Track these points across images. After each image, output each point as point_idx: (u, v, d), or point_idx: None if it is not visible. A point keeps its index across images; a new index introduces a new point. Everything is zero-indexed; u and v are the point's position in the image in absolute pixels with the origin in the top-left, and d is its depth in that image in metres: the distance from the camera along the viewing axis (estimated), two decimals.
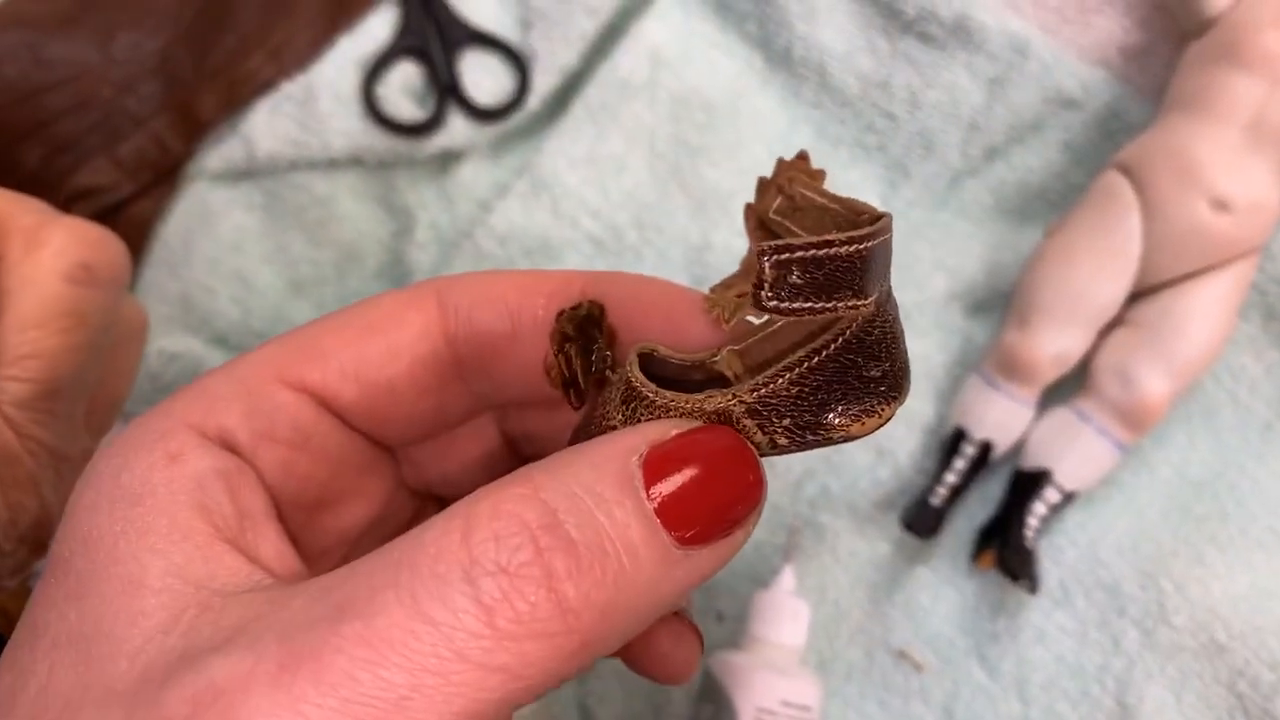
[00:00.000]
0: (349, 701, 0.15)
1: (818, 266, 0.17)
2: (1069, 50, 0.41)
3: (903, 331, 0.19)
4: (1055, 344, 0.37)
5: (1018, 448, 0.39)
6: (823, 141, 0.43)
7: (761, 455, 0.19)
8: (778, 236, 0.21)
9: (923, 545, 0.40)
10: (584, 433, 0.20)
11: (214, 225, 0.43)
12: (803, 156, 0.22)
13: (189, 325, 0.42)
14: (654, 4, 0.44)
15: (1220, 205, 0.35)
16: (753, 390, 0.18)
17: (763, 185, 0.22)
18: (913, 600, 0.39)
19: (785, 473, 0.40)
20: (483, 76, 0.43)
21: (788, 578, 0.39)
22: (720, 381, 0.20)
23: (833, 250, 0.17)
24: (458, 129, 0.42)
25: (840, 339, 0.18)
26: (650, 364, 0.20)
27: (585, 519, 0.16)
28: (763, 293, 0.17)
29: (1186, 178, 0.35)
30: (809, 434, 0.18)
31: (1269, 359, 0.40)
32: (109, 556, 0.17)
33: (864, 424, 0.18)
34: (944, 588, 0.39)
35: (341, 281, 0.43)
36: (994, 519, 0.39)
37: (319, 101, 0.42)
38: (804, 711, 0.36)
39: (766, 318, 0.20)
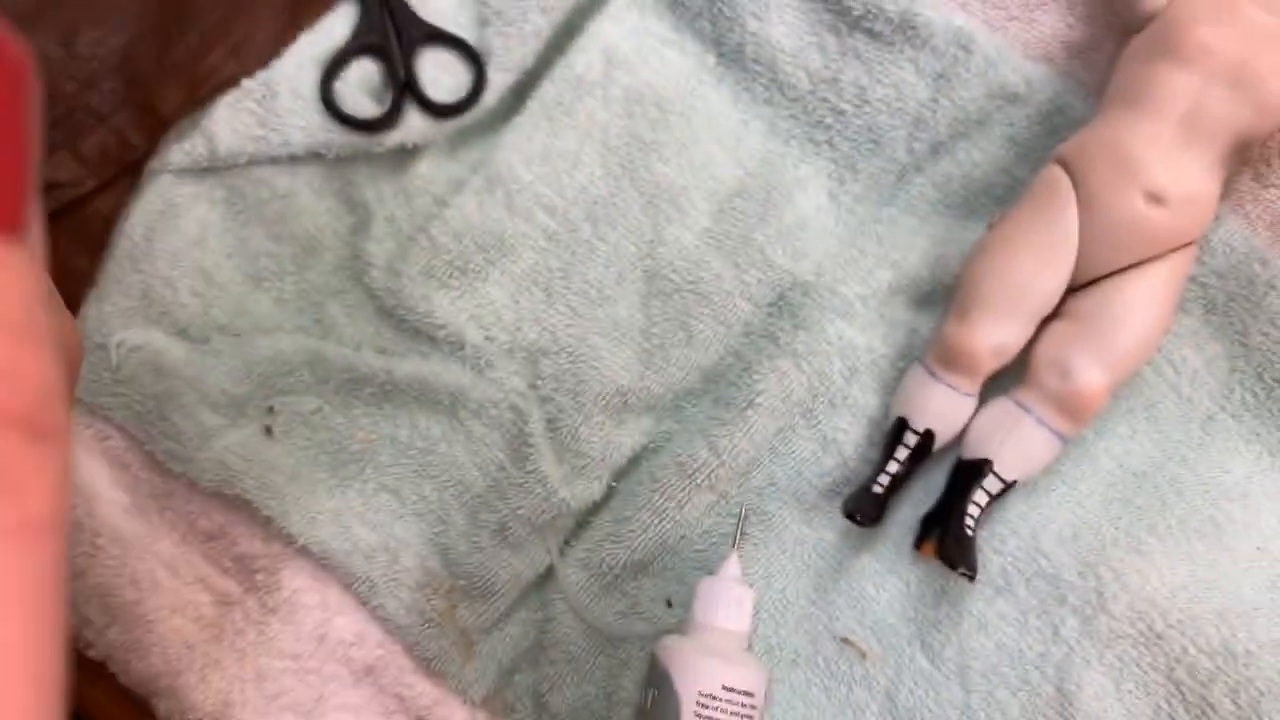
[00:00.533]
0: None
1: None
2: (1013, 46, 0.41)
3: None
4: (995, 336, 0.38)
5: (960, 438, 0.39)
6: (773, 137, 0.44)
7: None
8: None
9: (868, 534, 0.40)
10: None
11: (177, 220, 0.44)
12: None
13: (150, 318, 0.43)
14: (609, 3, 0.45)
15: (1155, 198, 0.36)
16: None
17: None
18: (857, 588, 0.40)
19: (732, 461, 0.40)
20: (440, 73, 0.44)
21: (733, 564, 0.39)
22: None
23: None
24: (415, 125, 0.43)
25: None
26: None
27: None
28: None
29: (1122, 171, 0.36)
30: None
31: (1210, 351, 0.40)
32: None
33: None
34: (888, 576, 0.40)
35: (301, 275, 0.43)
36: (936, 508, 0.39)
37: (279, 98, 0.43)
38: (746, 697, 0.37)
39: None
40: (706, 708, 0.36)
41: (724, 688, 0.36)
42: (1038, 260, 0.37)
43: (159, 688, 0.41)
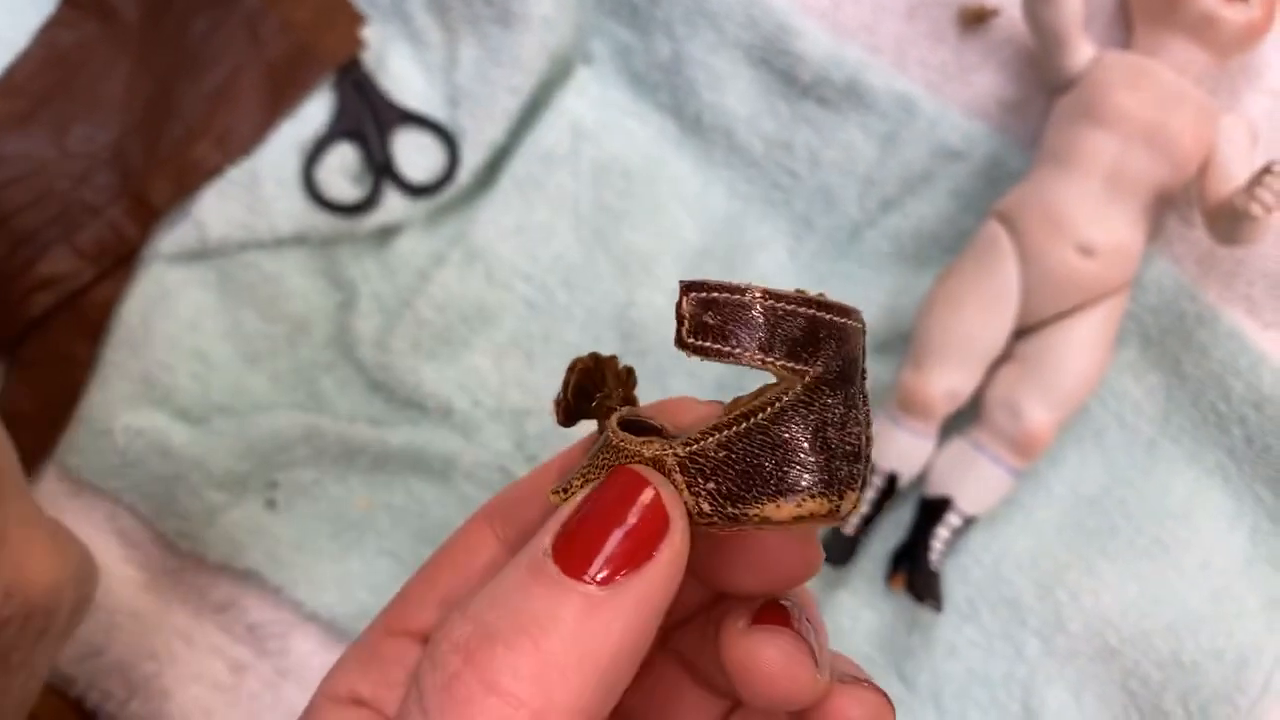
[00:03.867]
0: None
1: (723, 309, 0.17)
2: (952, 105, 0.44)
3: (866, 437, 0.18)
4: (947, 382, 0.40)
5: (922, 476, 0.42)
6: (734, 199, 0.46)
7: (695, 525, 0.18)
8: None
9: (842, 571, 0.43)
10: (568, 480, 0.20)
11: (172, 305, 0.46)
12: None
13: (153, 401, 0.45)
14: (572, 78, 0.47)
15: (1086, 251, 0.39)
16: (685, 444, 0.18)
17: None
18: (834, 623, 0.43)
19: None
20: (415, 154, 0.46)
21: None
22: None
23: (745, 298, 0.17)
24: (394, 205, 0.45)
25: (771, 409, 0.17)
26: (635, 427, 0.20)
27: (506, 610, 0.17)
28: (681, 329, 0.17)
29: (1055, 226, 0.39)
30: (729, 505, 0.17)
31: (1148, 381, 0.43)
32: None
33: (780, 509, 0.17)
34: (863, 610, 0.43)
35: (293, 352, 0.46)
36: (904, 544, 0.42)
37: (263, 185, 0.45)
38: None
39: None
40: None
41: None
42: (982, 310, 0.40)
43: None
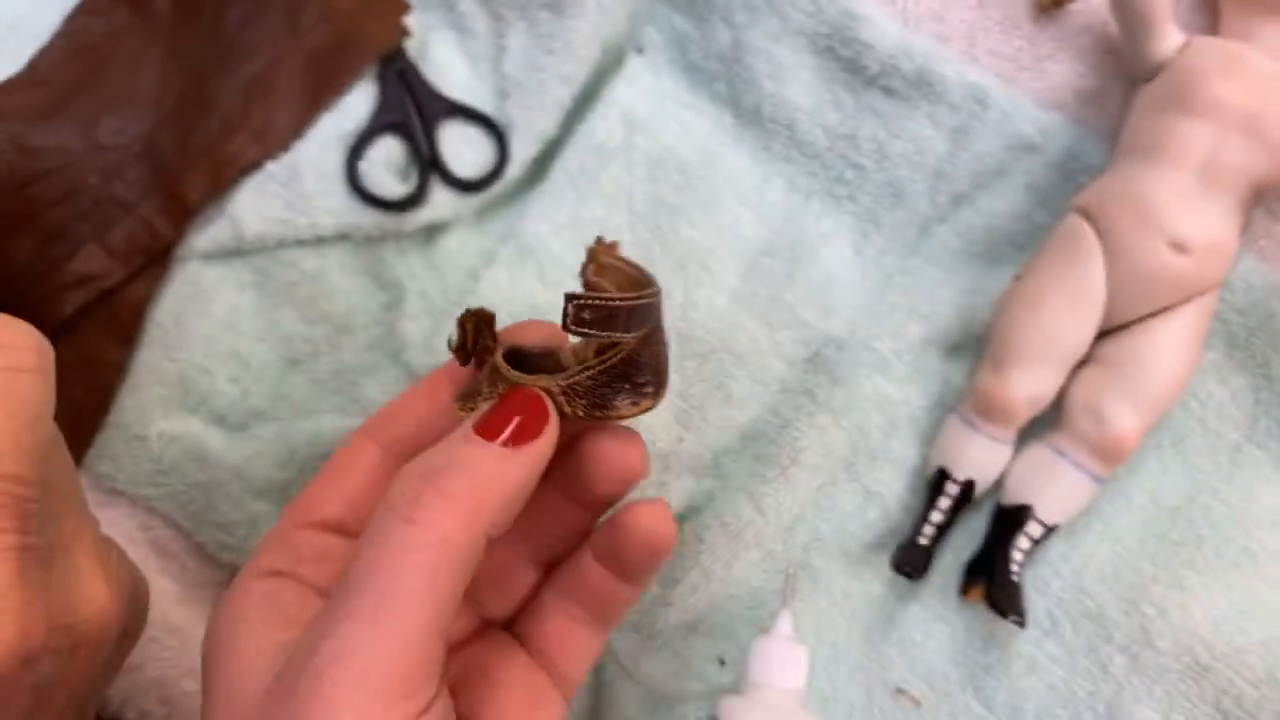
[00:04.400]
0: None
1: (596, 311, 0.27)
2: (1026, 97, 0.42)
3: (667, 357, 0.30)
4: (1029, 386, 0.38)
5: (998, 484, 0.40)
6: (794, 194, 0.45)
7: (566, 420, 0.28)
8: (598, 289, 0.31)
9: (914, 583, 0.41)
10: (466, 396, 0.29)
11: (207, 305, 0.44)
12: (612, 244, 0.33)
13: (188, 406, 0.43)
14: (624, 68, 0.45)
15: (1179, 247, 0.37)
16: (565, 379, 0.28)
17: (587, 256, 0.33)
18: (907, 637, 0.41)
19: (777, 518, 0.41)
20: (463, 148, 0.44)
21: (785, 623, 0.40)
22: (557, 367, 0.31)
23: (607, 302, 0.28)
24: (441, 201, 0.43)
25: (619, 356, 0.28)
26: (516, 356, 0.30)
27: (447, 458, 0.26)
28: (566, 321, 0.27)
29: (1146, 222, 0.37)
30: (596, 411, 0.29)
31: (1234, 384, 0.41)
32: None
33: (633, 410, 0.29)
34: (935, 623, 0.41)
35: (335, 355, 0.44)
36: (978, 554, 0.40)
37: (304, 181, 0.43)
38: None
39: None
40: None
41: None
42: (1066, 310, 0.38)
43: None
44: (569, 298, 0.27)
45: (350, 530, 0.30)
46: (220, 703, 0.27)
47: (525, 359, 0.30)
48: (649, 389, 0.29)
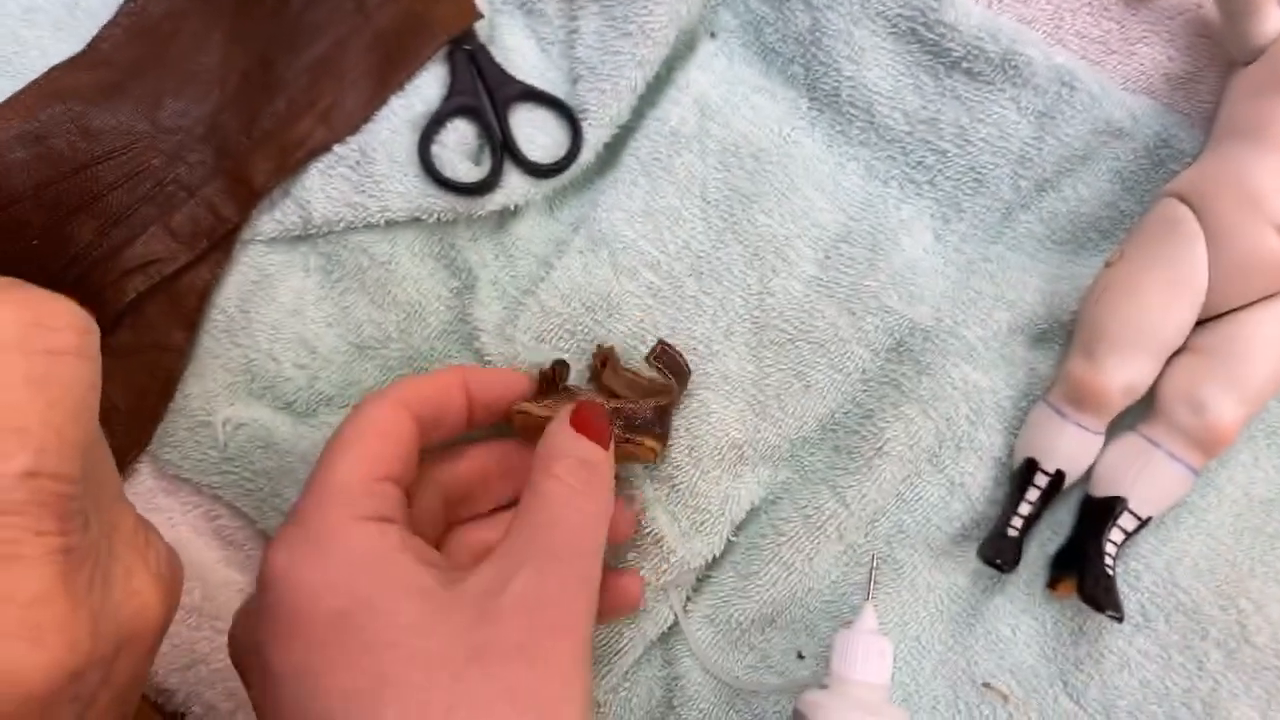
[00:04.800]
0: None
1: (673, 360, 0.41)
2: (1114, 80, 0.41)
3: (670, 422, 0.40)
4: (1124, 375, 0.38)
5: (1085, 475, 0.39)
6: (872, 180, 0.44)
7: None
8: (613, 392, 0.40)
9: (999, 576, 0.40)
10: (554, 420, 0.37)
11: (272, 290, 0.43)
12: (610, 348, 0.41)
13: (254, 392, 0.42)
14: (696, 53, 0.44)
15: None
16: (614, 404, 0.37)
17: (596, 361, 0.41)
18: (993, 631, 0.40)
19: (860, 510, 0.40)
20: (535, 132, 0.43)
21: (869, 616, 0.39)
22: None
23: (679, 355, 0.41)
24: (515, 185, 0.42)
25: (654, 410, 0.38)
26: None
27: (586, 448, 0.34)
28: (650, 359, 0.40)
29: (1250, 206, 0.36)
30: (628, 434, 0.37)
31: None
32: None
33: (650, 450, 0.38)
34: (1022, 617, 0.40)
35: (406, 341, 0.43)
36: (1066, 546, 0.39)
37: (375, 163, 0.42)
38: None
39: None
40: None
41: None
42: (1166, 296, 0.37)
43: None
44: (663, 343, 0.41)
45: (401, 481, 0.34)
46: (389, 630, 0.28)
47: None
48: (662, 437, 0.38)
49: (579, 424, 0.34)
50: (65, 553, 0.22)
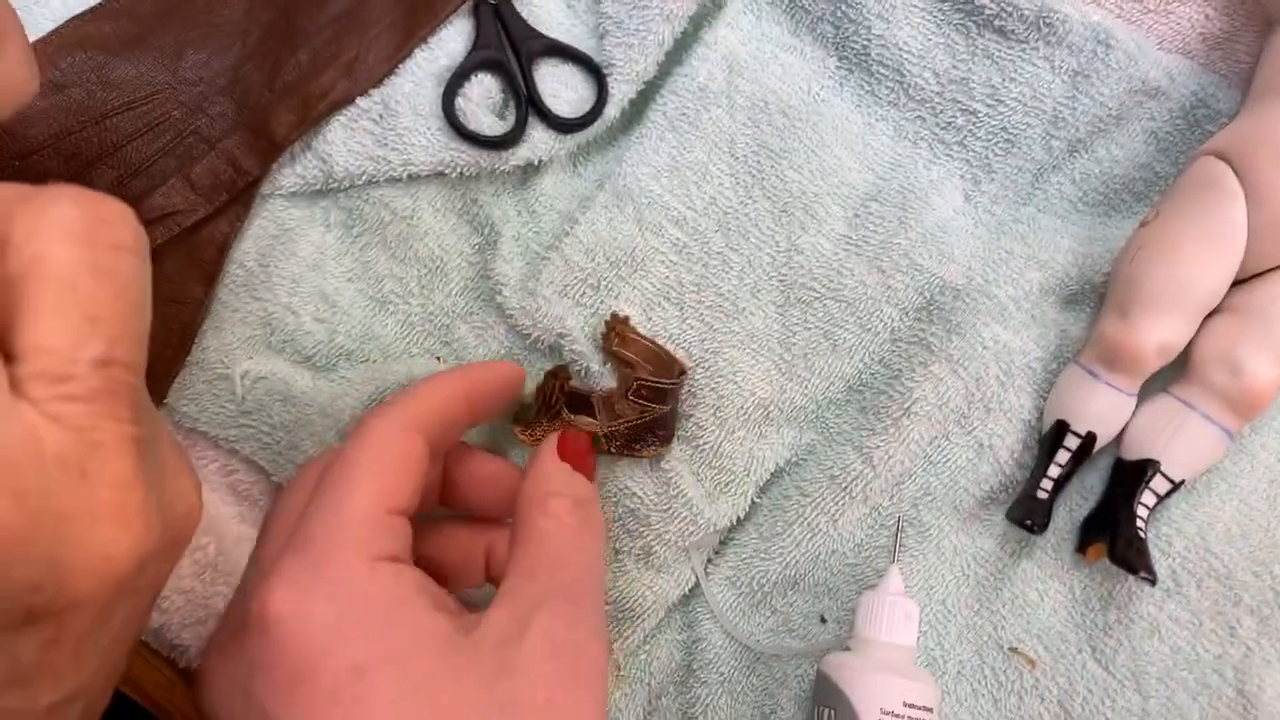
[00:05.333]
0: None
1: (653, 390, 0.39)
2: (1150, 40, 0.41)
3: (674, 422, 0.40)
4: (1159, 334, 0.37)
5: (1116, 439, 0.39)
6: (902, 141, 0.43)
7: (601, 453, 0.39)
8: (624, 360, 0.40)
9: (1027, 540, 0.40)
10: (524, 424, 0.39)
11: (291, 245, 0.42)
12: (625, 318, 0.41)
13: (273, 346, 0.42)
14: (724, 10, 0.44)
15: None
16: (609, 427, 0.39)
17: (607, 329, 0.40)
18: (1020, 596, 0.39)
19: (886, 471, 0.40)
20: (559, 87, 0.43)
21: (895, 578, 0.38)
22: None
23: (660, 384, 0.39)
24: (540, 140, 0.42)
25: (652, 418, 0.39)
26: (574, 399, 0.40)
27: (554, 480, 0.35)
28: (628, 391, 0.39)
29: None
30: (625, 451, 0.39)
31: None
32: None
33: (650, 453, 0.39)
34: (1050, 582, 0.39)
35: (427, 297, 0.42)
36: (1096, 510, 0.39)
37: (399, 117, 0.42)
38: (926, 713, 0.36)
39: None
40: None
41: (905, 704, 0.35)
42: (1204, 255, 0.36)
43: None
44: (639, 379, 0.39)
45: (410, 512, 0.32)
46: (410, 683, 0.27)
47: (571, 395, 0.40)
48: (664, 438, 0.39)
49: (565, 454, 0.35)
50: (137, 441, 0.22)
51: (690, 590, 0.41)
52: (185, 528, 0.25)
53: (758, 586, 0.40)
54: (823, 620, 0.40)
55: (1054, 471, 0.38)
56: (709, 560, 0.42)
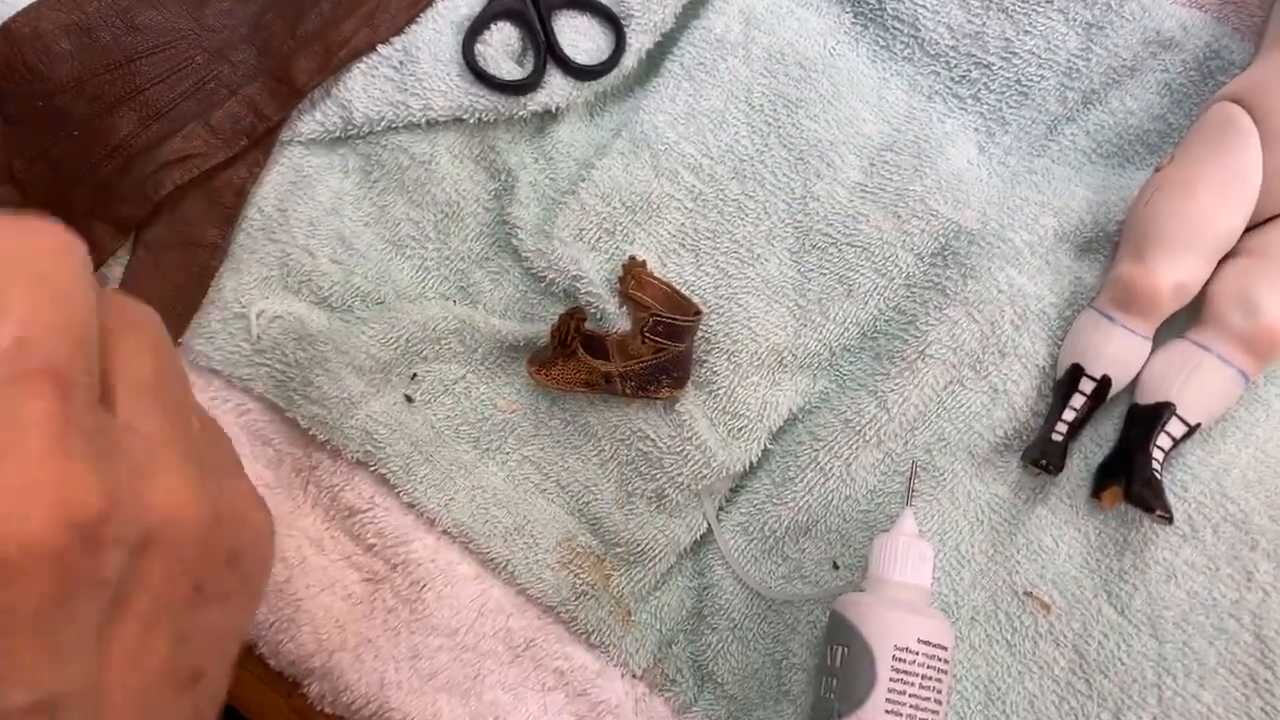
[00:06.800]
0: None
1: (670, 327, 0.39)
2: None
3: (690, 362, 0.40)
4: (1176, 274, 0.37)
5: (1131, 384, 0.39)
6: (916, 95, 0.43)
7: (616, 394, 0.40)
8: (640, 301, 0.40)
9: (1041, 486, 0.39)
10: (540, 363, 0.41)
11: (310, 190, 0.43)
12: (643, 261, 0.41)
13: (289, 287, 0.42)
14: None
15: None
16: (624, 366, 0.39)
17: (624, 271, 0.41)
18: (1035, 541, 0.39)
19: (901, 416, 0.40)
20: (578, 38, 0.43)
21: (909, 520, 0.38)
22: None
23: (676, 322, 0.39)
24: (558, 87, 0.42)
25: (668, 357, 0.39)
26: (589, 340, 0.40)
27: None
28: (644, 329, 0.39)
29: None
30: (640, 392, 0.39)
31: None
32: None
33: (665, 394, 0.39)
34: (1065, 528, 0.39)
35: (443, 242, 0.42)
36: (1112, 456, 0.39)
37: (419, 63, 0.42)
38: (940, 650, 0.35)
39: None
40: (903, 661, 0.35)
41: (920, 640, 0.35)
42: (1220, 196, 0.36)
43: (311, 668, 0.39)
44: (655, 315, 0.39)
45: None
46: None
47: (586, 337, 0.40)
48: (679, 379, 0.39)
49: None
50: (64, 419, 0.22)
51: (701, 537, 0.41)
52: (169, 526, 0.24)
53: (770, 533, 0.40)
54: (835, 566, 0.40)
55: (1069, 415, 0.38)
56: (721, 507, 0.42)
